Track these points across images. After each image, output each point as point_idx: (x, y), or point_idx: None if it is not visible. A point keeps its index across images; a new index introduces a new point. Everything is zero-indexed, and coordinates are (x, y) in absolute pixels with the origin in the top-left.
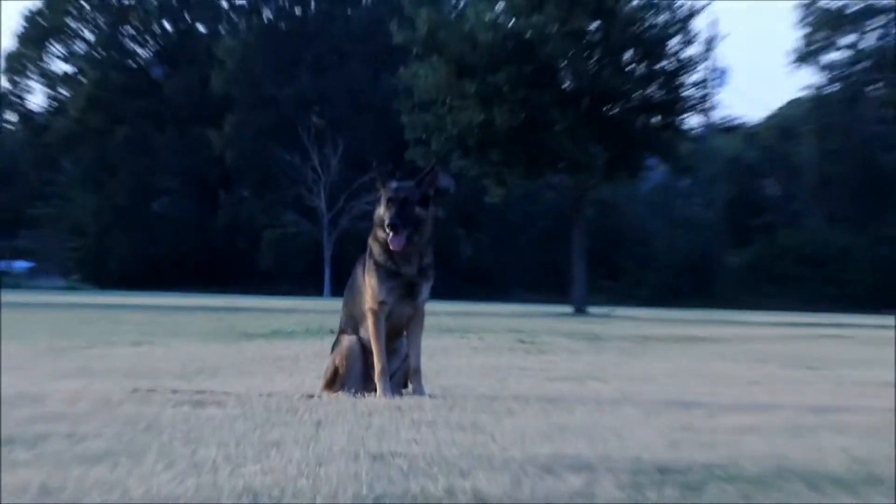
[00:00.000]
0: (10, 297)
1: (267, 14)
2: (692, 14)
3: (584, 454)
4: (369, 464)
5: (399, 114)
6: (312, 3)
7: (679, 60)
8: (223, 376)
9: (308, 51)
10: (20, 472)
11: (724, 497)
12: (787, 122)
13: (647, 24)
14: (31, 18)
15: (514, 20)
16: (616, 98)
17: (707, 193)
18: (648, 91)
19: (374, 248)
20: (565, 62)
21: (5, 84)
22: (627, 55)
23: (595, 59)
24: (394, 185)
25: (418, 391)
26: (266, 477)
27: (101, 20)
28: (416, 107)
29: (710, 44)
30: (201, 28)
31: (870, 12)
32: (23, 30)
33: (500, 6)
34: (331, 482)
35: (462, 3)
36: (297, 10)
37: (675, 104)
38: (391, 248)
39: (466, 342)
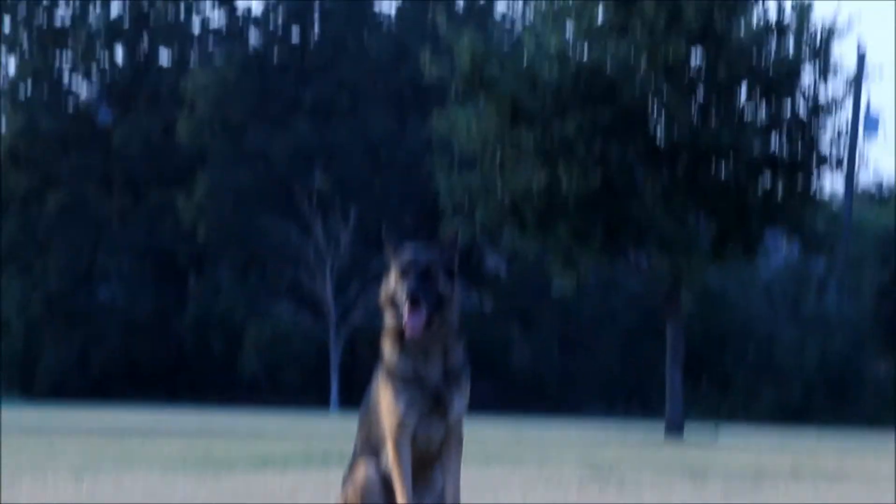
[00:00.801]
0: None
1: (253, 40)
2: (831, 35)
3: None
4: None
5: (432, 174)
6: (316, 25)
7: (814, 102)
8: None
9: (309, 89)
10: None
11: None
12: None
13: (770, 53)
14: None
15: (587, 50)
16: (726, 153)
17: (850, 281)
18: (771, 143)
19: (385, 348)
20: (657, 105)
21: None
22: (742, 95)
23: (698, 101)
24: (410, 250)
25: None
26: None
27: (25, 43)
28: (456, 164)
29: (858, 81)
30: (164, 57)
31: None
32: None
33: (569, 31)
34: None
35: (517, 28)
36: (295, 35)
37: (807, 161)
38: (407, 332)
39: (521, 474)
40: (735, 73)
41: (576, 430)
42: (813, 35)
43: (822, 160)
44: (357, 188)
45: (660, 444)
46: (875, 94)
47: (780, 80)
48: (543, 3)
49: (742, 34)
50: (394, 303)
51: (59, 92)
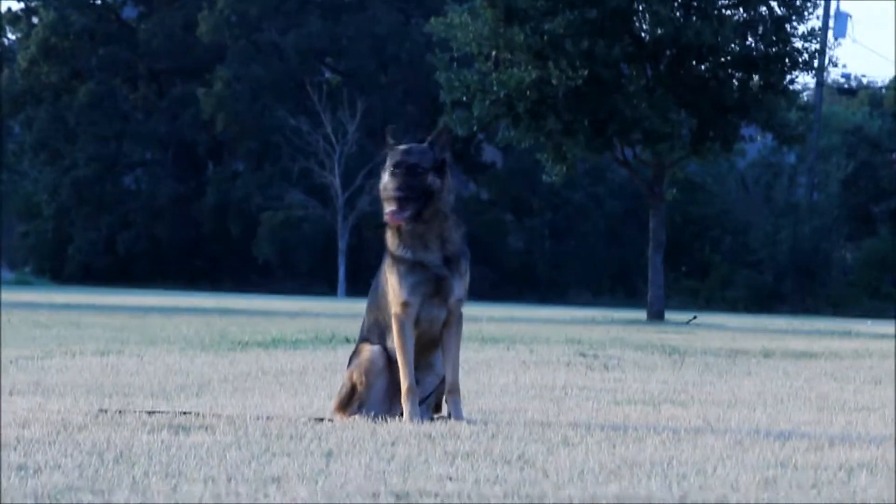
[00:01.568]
0: None
1: None
2: None
3: (657, 495)
4: None
5: (433, 69)
6: None
7: (787, 3)
8: (211, 395)
9: None
10: None
11: None
12: None
13: None
14: None
15: None
16: (706, 51)
17: (819, 172)
18: (747, 42)
19: (388, 234)
20: (642, 5)
21: None
22: None
23: (680, 0)
24: (402, 148)
25: (454, 415)
26: None
27: None
28: (455, 62)
29: None
30: None
31: None
32: None
33: None
34: None
35: None
36: None
37: (781, 59)
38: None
39: (514, 355)
40: None
41: (564, 314)
42: None
43: (795, 58)
44: (364, 82)
45: (642, 327)
46: None
47: None
48: None
49: None
50: (388, 196)
51: None
